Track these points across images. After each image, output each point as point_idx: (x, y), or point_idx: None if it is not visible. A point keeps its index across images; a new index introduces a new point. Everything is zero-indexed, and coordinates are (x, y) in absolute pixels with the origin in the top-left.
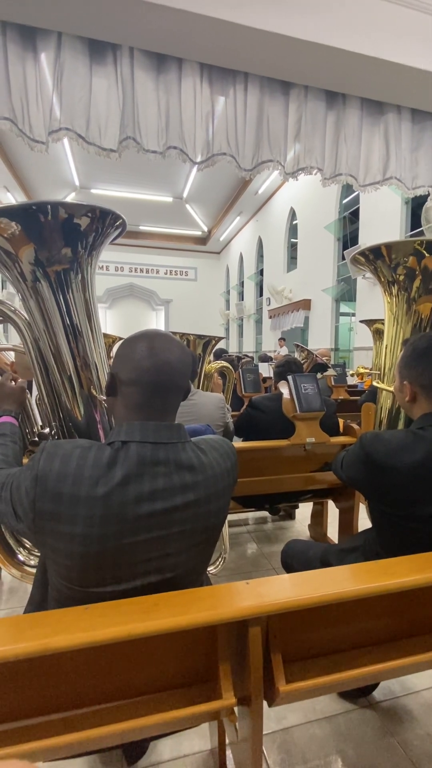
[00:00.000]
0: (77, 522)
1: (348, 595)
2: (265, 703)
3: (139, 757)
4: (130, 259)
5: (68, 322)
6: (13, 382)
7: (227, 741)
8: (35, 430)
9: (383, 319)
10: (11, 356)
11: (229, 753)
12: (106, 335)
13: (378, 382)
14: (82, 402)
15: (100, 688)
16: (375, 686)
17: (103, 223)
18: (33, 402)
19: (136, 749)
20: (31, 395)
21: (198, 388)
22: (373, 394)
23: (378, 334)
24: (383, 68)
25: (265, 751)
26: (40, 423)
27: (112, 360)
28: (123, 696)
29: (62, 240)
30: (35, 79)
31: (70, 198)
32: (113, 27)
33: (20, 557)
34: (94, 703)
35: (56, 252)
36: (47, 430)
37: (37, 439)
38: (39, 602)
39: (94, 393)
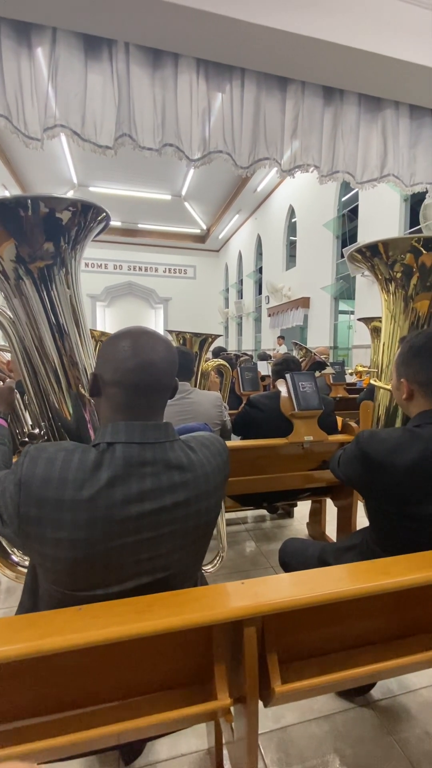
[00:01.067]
0: (63, 526)
1: (345, 595)
2: (261, 702)
3: (136, 757)
4: (128, 257)
5: (53, 319)
6: (1, 382)
7: (224, 740)
8: (25, 430)
9: (381, 317)
10: (8, 356)
11: (226, 752)
12: (102, 333)
13: (375, 380)
14: (71, 401)
15: (95, 690)
16: (373, 685)
17: (85, 217)
18: (22, 402)
19: (132, 749)
20: (21, 395)
21: (195, 386)
22: (371, 393)
23: (376, 332)
24: (381, 64)
25: (262, 750)
26: (30, 423)
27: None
28: (118, 697)
29: (44, 235)
30: (30, 75)
31: (68, 196)
32: (108, 22)
33: (14, 558)
34: (89, 704)
35: (38, 247)
36: (37, 430)
37: (27, 439)
38: (29, 607)
39: (83, 392)
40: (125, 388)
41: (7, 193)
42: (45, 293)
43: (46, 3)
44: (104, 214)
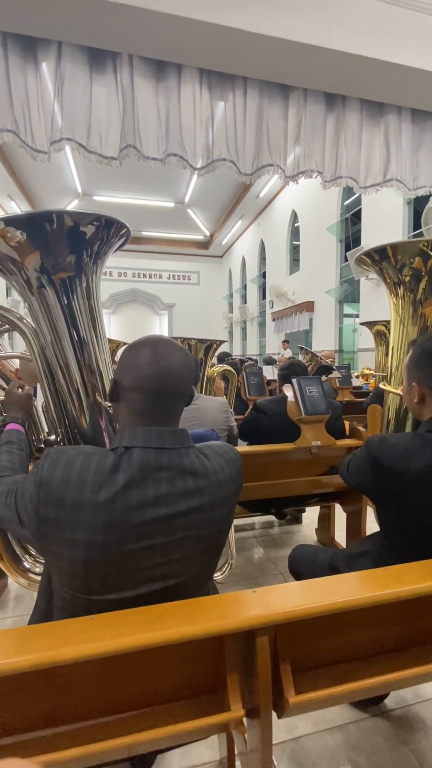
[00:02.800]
0: (80, 528)
1: (357, 603)
2: (274, 713)
3: None
4: (133, 265)
5: (73, 329)
6: (20, 390)
7: (236, 751)
8: (41, 437)
9: (384, 321)
10: (15, 363)
11: (238, 763)
12: (110, 340)
13: (385, 385)
14: (88, 409)
15: (106, 700)
16: (387, 694)
17: (108, 231)
18: (39, 409)
19: (143, 761)
20: (37, 402)
21: (201, 392)
22: (378, 396)
23: (379, 336)
24: (383, 69)
25: (275, 761)
26: (46, 430)
27: (115, 366)
28: (130, 708)
29: (68, 248)
30: (36, 89)
31: (73, 205)
32: (112, 35)
33: (26, 564)
34: (100, 715)
35: (62, 260)
36: (53, 437)
37: (43, 446)
38: (44, 611)
39: (100, 400)
40: (145, 394)
41: (12, 203)
42: (66, 304)
43: (51, 18)
44: (126, 229)
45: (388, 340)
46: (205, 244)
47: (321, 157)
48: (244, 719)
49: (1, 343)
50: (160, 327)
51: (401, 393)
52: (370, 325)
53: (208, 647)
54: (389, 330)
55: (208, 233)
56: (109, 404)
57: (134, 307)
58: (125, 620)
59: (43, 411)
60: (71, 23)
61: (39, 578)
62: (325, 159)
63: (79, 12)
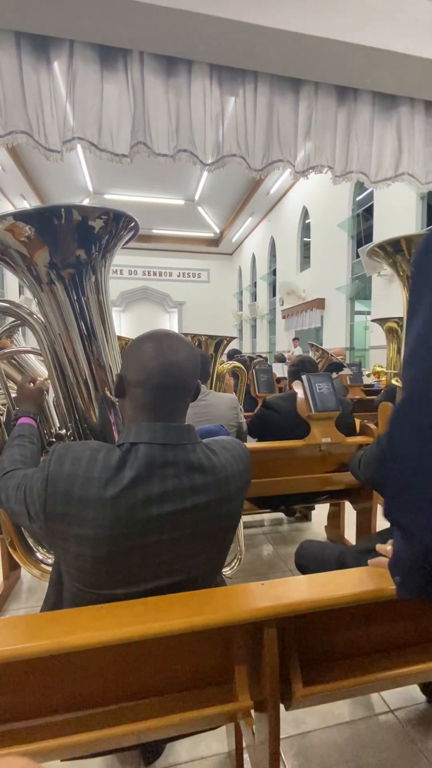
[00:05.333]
0: (86, 524)
1: (365, 597)
2: (282, 706)
3: (156, 758)
4: (143, 263)
5: (83, 324)
6: (32, 384)
7: (244, 744)
8: (53, 431)
9: (396, 318)
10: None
11: (246, 756)
12: (120, 338)
13: (398, 381)
14: (97, 403)
15: (115, 688)
16: None
17: (116, 225)
18: (51, 403)
19: (152, 750)
20: (48, 397)
21: (210, 388)
22: (389, 394)
23: (391, 333)
24: (395, 61)
25: (282, 756)
26: (57, 424)
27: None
28: (138, 696)
29: (76, 243)
30: (49, 88)
31: (84, 203)
32: (123, 32)
33: (38, 555)
34: (109, 702)
35: (70, 255)
36: (64, 431)
37: (54, 440)
38: (54, 602)
39: (109, 395)
40: (149, 389)
41: (25, 203)
42: (75, 299)
43: (63, 16)
44: (134, 222)
45: (400, 336)
46: (215, 242)
47: (332, 152)
48: (252, 712)
49: (17, 339)
50: (170, 324)
51: None
52: (381, 321)
53: (216, 638)
54: (401, 327)
55: (218, 231)
56: (116, 399)
57: (144, 305)
58: (134, 610)
59: (54, 406)
60: (82, 21)
61: (51, 569)
62: (335, 153)
63: (90, 9)
